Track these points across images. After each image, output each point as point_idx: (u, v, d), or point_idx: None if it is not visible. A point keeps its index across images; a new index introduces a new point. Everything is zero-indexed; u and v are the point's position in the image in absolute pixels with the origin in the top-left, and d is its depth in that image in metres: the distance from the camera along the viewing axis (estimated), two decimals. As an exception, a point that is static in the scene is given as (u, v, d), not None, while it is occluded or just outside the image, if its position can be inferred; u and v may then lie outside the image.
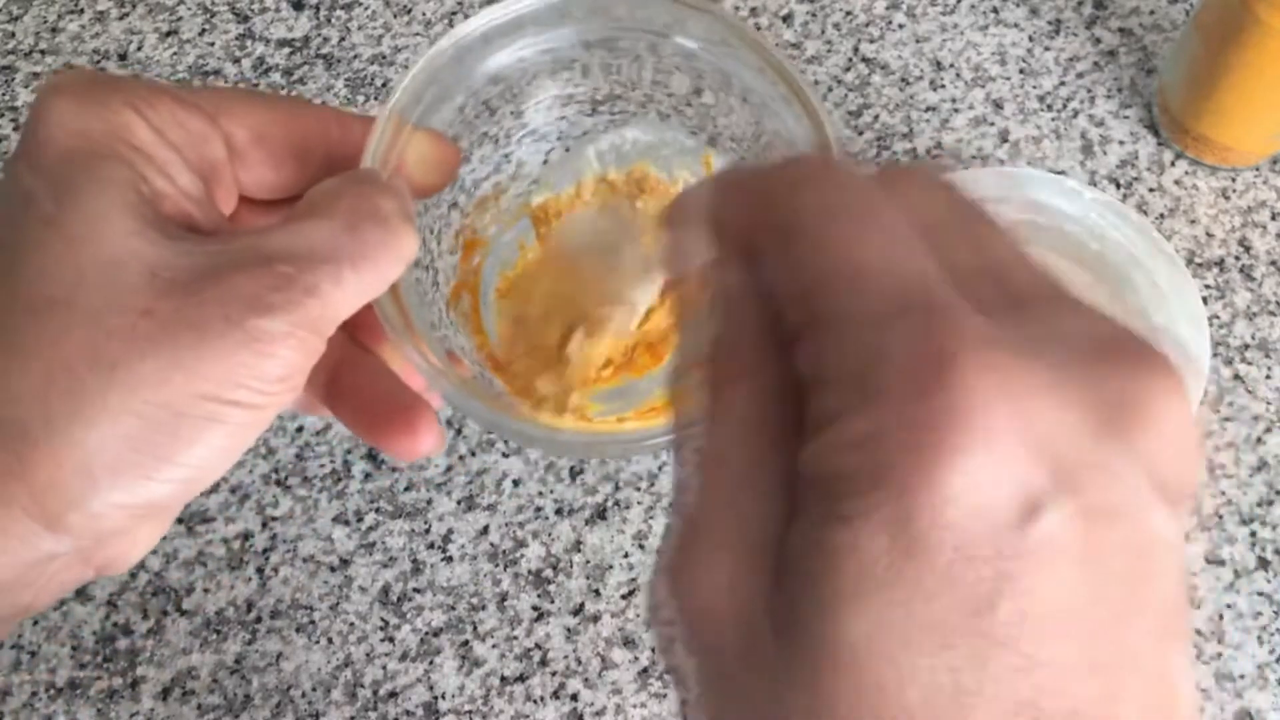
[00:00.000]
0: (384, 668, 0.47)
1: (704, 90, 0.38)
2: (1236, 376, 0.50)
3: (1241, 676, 0.45)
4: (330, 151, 0.31)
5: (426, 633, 0.47)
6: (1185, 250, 0.52)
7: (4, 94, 0.60)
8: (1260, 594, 0.46)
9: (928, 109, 0.56)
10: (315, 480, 0.50)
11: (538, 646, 0.47)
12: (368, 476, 0.50)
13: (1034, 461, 0.16)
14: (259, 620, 0.48)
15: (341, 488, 0.50)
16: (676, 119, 0.40)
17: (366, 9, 0.61)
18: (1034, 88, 0.56)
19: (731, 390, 0.19)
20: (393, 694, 0.46)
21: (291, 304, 0.25)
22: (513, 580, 0.48)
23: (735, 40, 0.35)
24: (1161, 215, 0.53)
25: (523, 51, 0.37)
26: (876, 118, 0.56)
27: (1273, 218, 0.53)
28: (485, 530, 0.49)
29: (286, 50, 0.60)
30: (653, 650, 0.46)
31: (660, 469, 0.49)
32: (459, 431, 0.51)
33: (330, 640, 0.47)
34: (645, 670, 0.46)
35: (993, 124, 0.56)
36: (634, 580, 0.48)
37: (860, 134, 0.56)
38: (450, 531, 0.49)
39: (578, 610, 0.47)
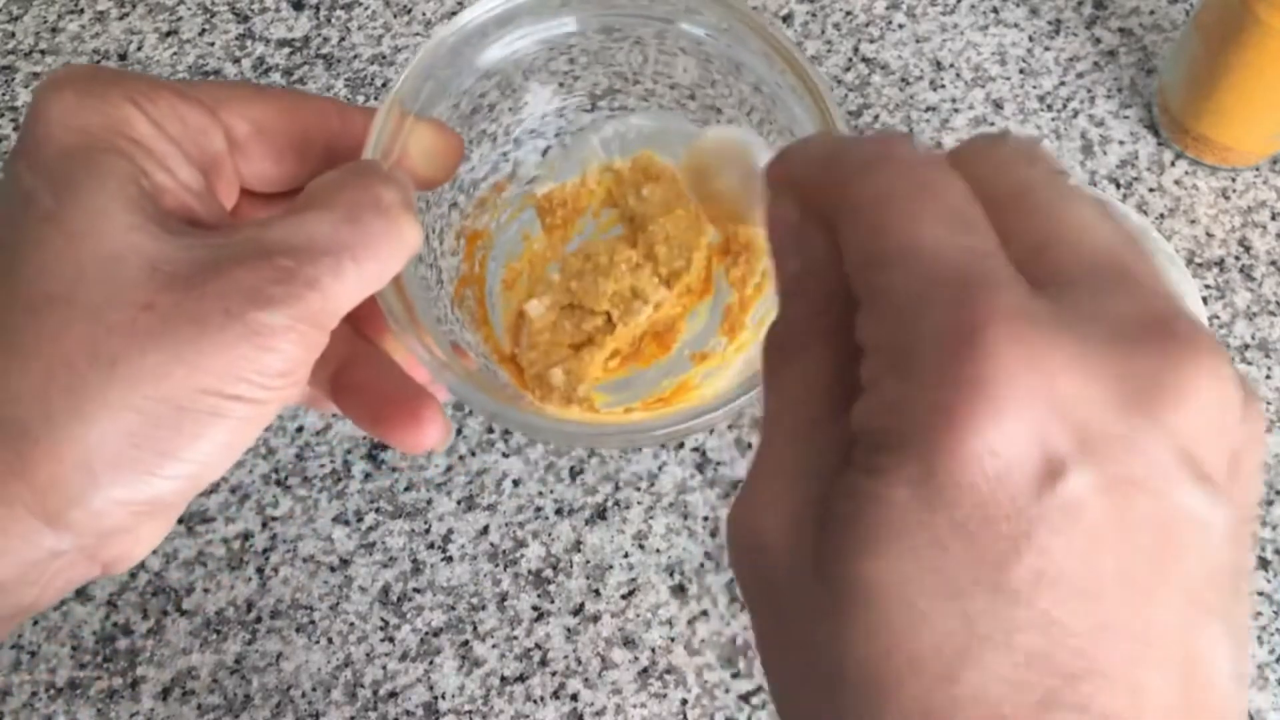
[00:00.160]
0: (384, 668, 0.47)
1: (713, 78, 0.37)
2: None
3: (1242, 676, 0.45)
4: (332, 144, 0.31)
5: (426, 633, 0.47)
6: (1185, 250, 0.52)
7: (4, 94, 0.60)
8: (1260, 594, 0.46)
9: (928, 109, 0.56)
10: (315, 480, 0.50)
11: (538, 646, 0.47)
12: (368, 476, 0.50)
13: (1056, 430, 0.17)
14: (259, 620, 0.48)
15: (341, 488, 0.50)
16: (680, 112, 0.40)
17: (366, 9, 0.61)
18: (1034, 88, 0.56)
19: (807, 351, 0.21)
20: (393, 694, 0.46)
21: (292, 297, 0.25)
22: (513, 580, 0.48)
23: (745, 28, 0.35)
24: (1161, 215, 0.53)
25: (521, 42, 0.37)
26: (876, 118, 0.56)
27: (1273, 218, 0.53)
28: (485, 530, 0.49)
29: (286, 50, 0.60)
30: (653, 650, 0.47)
31: (660, 469, 0.49)
32: (459, 431, 0.51)
33: (330, 640, 0.47)
34: (645, 670, 0.46)
35: (993, 124, 0.56)
36: (634, 580, 0.48)
37: (860, 134, 0.56)
38: (450, 531, 0.49)
39: (578, 610, 0.47)
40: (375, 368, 0.32)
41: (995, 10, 0.59)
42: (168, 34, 0.61)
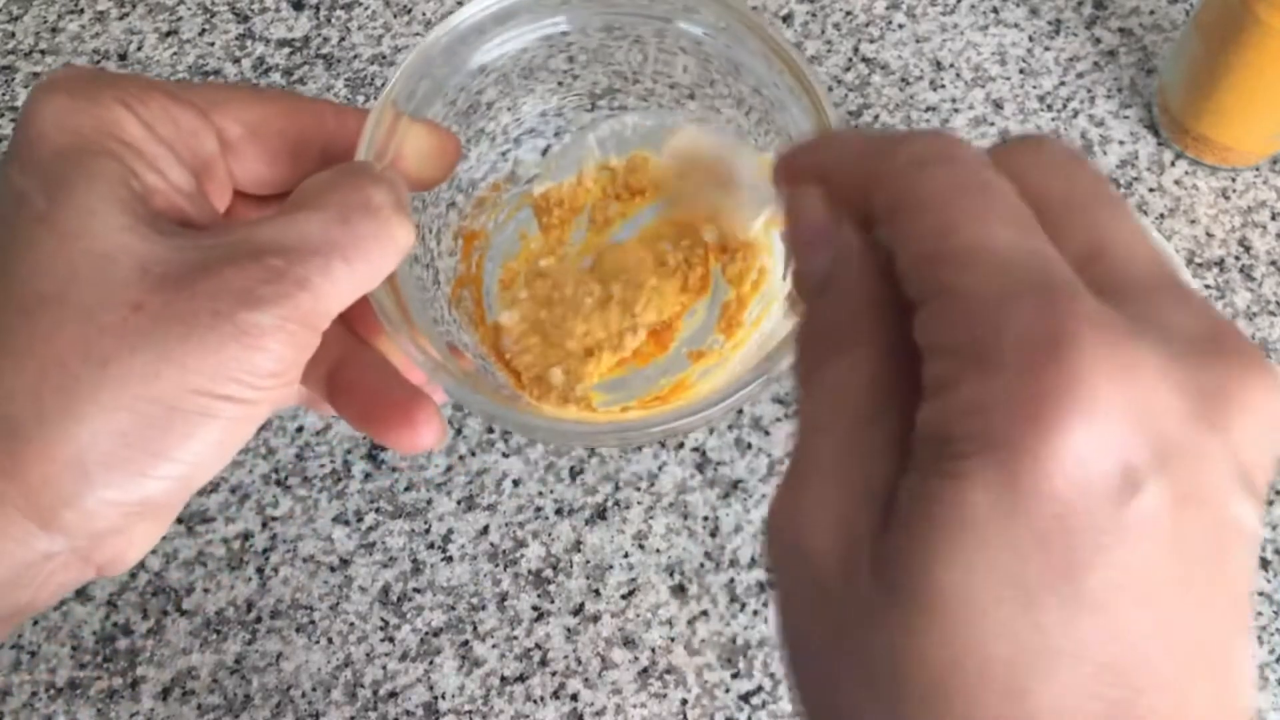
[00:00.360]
0: (384, 668, 0.47)
1: (712, 77, 0.37)
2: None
3: (1242, 676, 0.45)
4: (326, 146, 0.31)
5: (426, 633, 0.47)
6: (1185, 250, 0.52)
7: (4, 94, 0.60)
8: (1260, 594, 0.46)
9: (928, 109, 0.56)
10: (315, 480, 0.50)
11: (538, 646, 0.47)
12: (368, 476, 0.50)
13: (1137, 441, 0.17)
14: (259, 620, 0.48)
15: (341, 488, 0.50)
16: (679, 111, 0.40)
17: (366, 9, 0.61)
18: (1034, 88, 0.56)
19: (850, 348, 0.20)
20: (393, 694, 0.46)
21: (281, 297, 0.25)
22: (513, 580, 0.48)
23: (742, 28, 0.35)
24: (1161, 215, 0.53)
25: (519, 40, 0.36)
26: (876, 118, 0.56)
27: (1273, 218, 0.53)
28: (485, 530, 0.49)
29: (286, 50, 0.60)
30: (653, 650, 0.47)
31: (660, 469, 0.49)
32: (459, 431, 0.51)
33: (330, 640, 0.47)
34: (645, 670, 0.46)
35: (993, 124, 0.56)
36: (634, 580, 0.48)
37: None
38: (450, 531, 0.49)
39: (578, 610, 0.47)
40: (370, 368, 0.32)
41: (995, 10, 0.59)
42: (168, 34, 0.61)
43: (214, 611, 0.48)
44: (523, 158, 0.41)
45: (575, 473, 0.50)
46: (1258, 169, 0.54)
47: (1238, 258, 0.52)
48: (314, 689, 0.47)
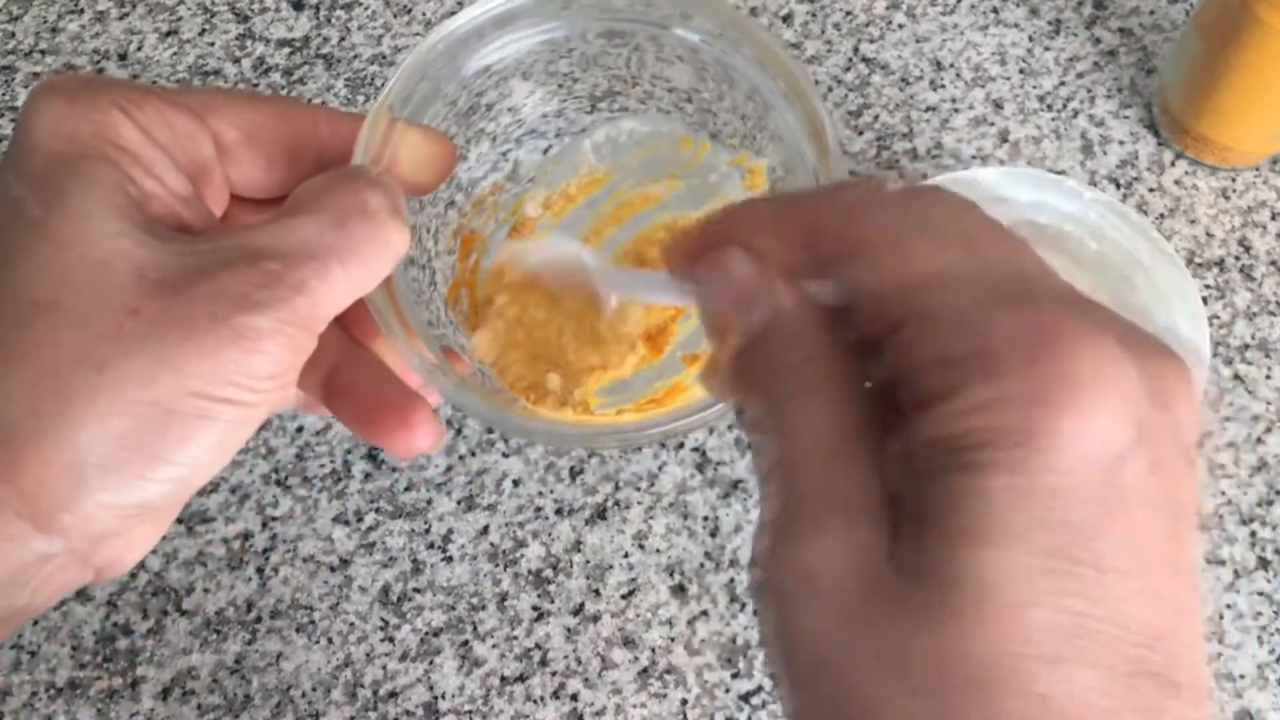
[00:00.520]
0: (384, 668, 0.47)
1: (707, 84, 0.37)
2: (1236, 376, 0.50)
3: (1241, 676, 0.45)
4: (321, 150, 0.31)
5: (426, 633, 0.47)
6: (1185, 250, 0.52)
7: (4, 94, 0.60)
8: (1260, 594, 0.46)
9: (928, 109, 0.56)
10: (315, 480, 0.50)
11: (538, 646, 0.47)
12: (368, 476, 0.50)
13: (1122, 417, 0.19)
14: (259, 620, 0.48)
15: (341, 488, 0.50)
16: (677, 115, 0.40)
17: (366, 9, 0.61)
18: (1034, 88, 0.56)
19: (812, 390, 0.22)
20: (393, 694, 0.46)
21: (278, 301, 0.25)
22: (513, 580, 0.48)
23: (737, 34, 0.35)
24: (1161, 215, 0.53)
25: (520, 43, 0.36)
26: (876, 118, 0.56)
27: (1273, 218, 0.53)
28: (485, 530, 0.49)
29: (286, 50, 0.60)
30: (653, 650, 0.47)
31: (660, 469, 0.49)
32: (459, 431, 0.51)
33: (330, 640, 0.47)
34: (645, 670, 0.46)
35: (993, 124, 0.56)
36: (634, 580, 0.48)
37: (860, 134, 0.56)
38: (450, 531, 0.49)
39: (578, 610, 0.47)
40: (366, 371, 0.32)
41: (995, 10, 0.59)
42: (168, 34, 0.61)
43: (214, 611, 0.48)
44: (523, 159, 0.41)
45: (575, 473, 0.50)
46: (1258, 169, 0.54)
47: (1238, 258, 0.52)
48: (314, 689, 0.47)
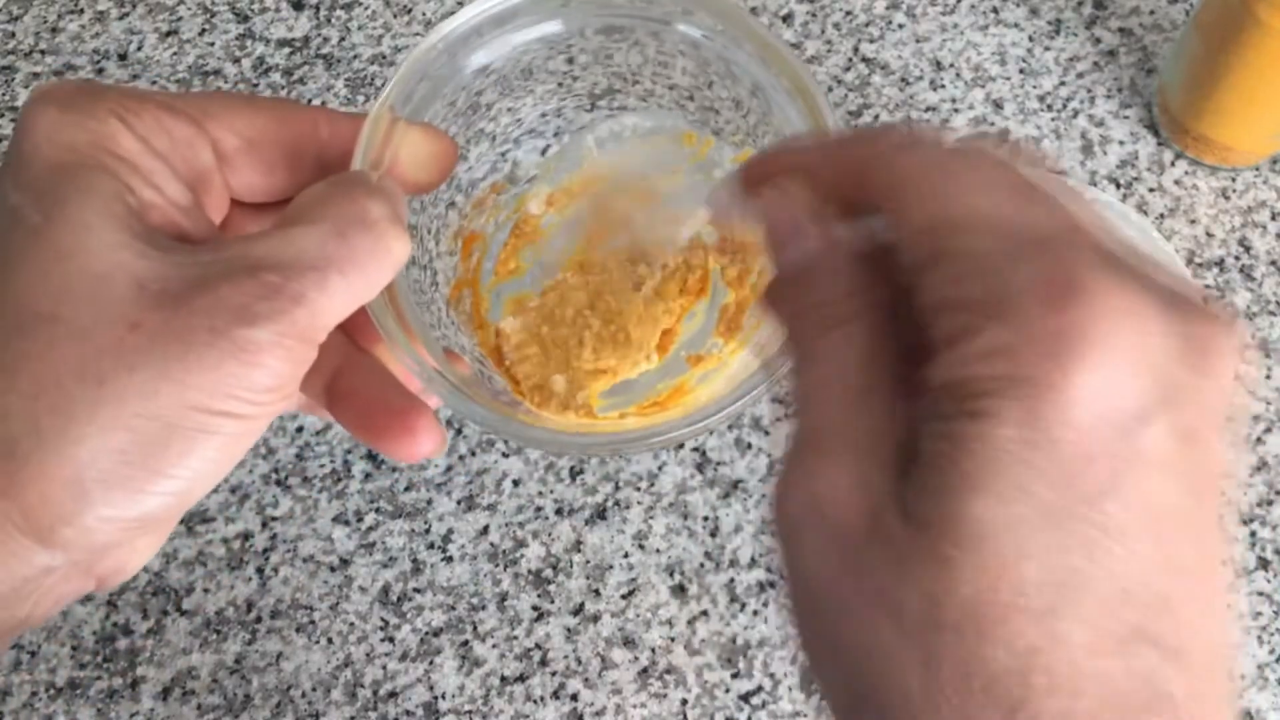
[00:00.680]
0: (384, 668, 0.47)
1: (711, 80, 0.37)
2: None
3: (1241, 676, 0.45)
4: (322, 152, 0.31)
5: (426, 633, 0.47)
6: (1185, 250, 0.52)
7: (4, 94, 0.60)
8: (1260, 594, 0.46)
9: (928, 109, 0.56)
10: (315, 480, 0.50)
11: (538, 646, 0.47)
12: (368, 476, 0.50)
13: (1145, 376, 0.19)
14: (259, 620, 0.48)
15: (341, 488, 0.50)
16: (679, 111, 0.40)
17: (366, 9, 0.61)
18: (1034, 88, 0.56)
19: (843, 323, 0.22)
20: (393, 694, 0.46)
21: (278, 313, 0.25)
22: (513, 580, 0.48)
23: (737, 31, 0.35)
24: (1161, 215, 0.53)
25: (518, 40, 0.36)
26: (876, 118, 0.56)
27: (1273, 218, 0.53)
28: (485, 530, 0.49)
29: (286, 50, 0.60)
30: (653, 650, 0.47)
31: (660, 469, 0.49)
32: (459, 431, 0.51)
33: (330, 640, 0.47)
34: (645, 670, 0.46)
35: (993, 124, 0.56)
36: (634, 580, 0.48)
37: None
38: (450, 531, 0.49)
39: (578, 610, 0.47)
40: (369, 376, 0.31)
41: (995, 10, 0.59)
42: (168, 34, 0.61)
43: (214, 611, 0.48)
44: (522, 159, 0.41)
45: (575, 473, 0.50)
46: (1258, 169, 0.54)
47: (1238, 258, 0.52)
48: (314, 689, 0.47)
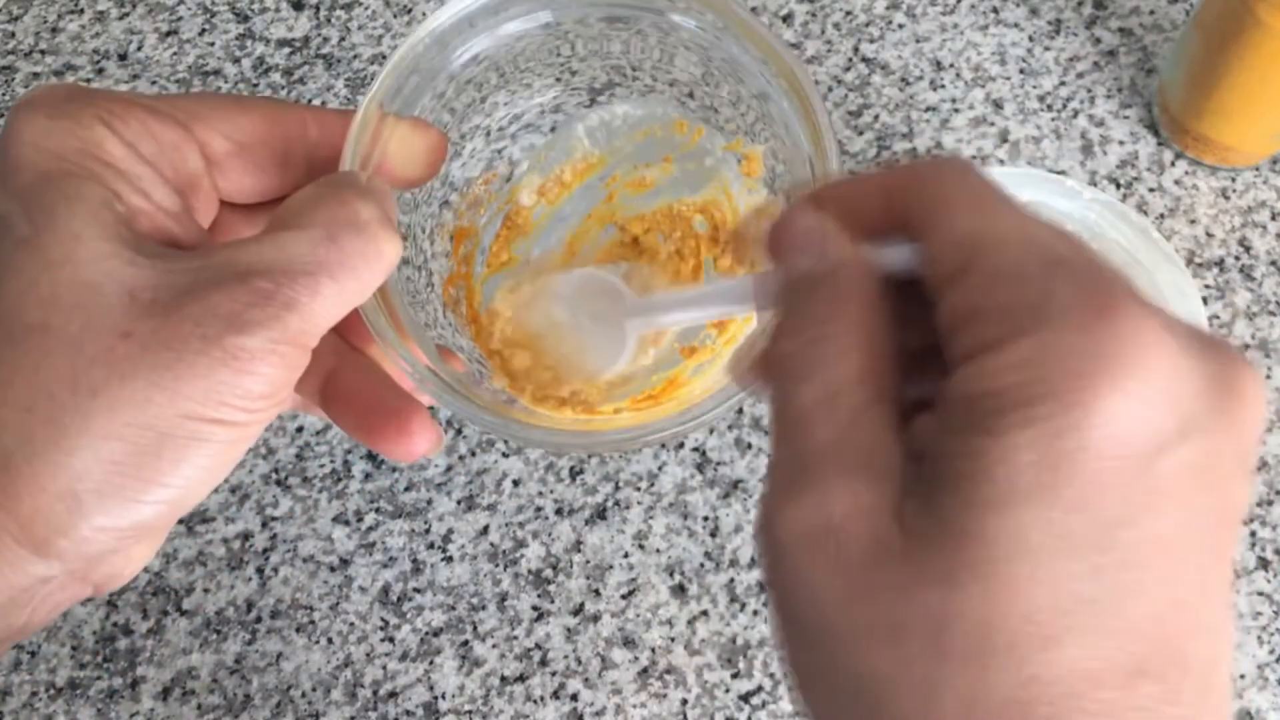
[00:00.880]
0: (384, 668, 0.47)
1: (712, 74, 0.37)
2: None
3: (1242, 676, 0.45)
4: (311, 152, 0.30)
5: (426, 633, 0.47)
6: (1185, 250, 0.52)
7: (4, 94, 0.60)
8: (1260, 594, 0.46)
9: (928, 109, 0.56)
10: (315, 480, 0.50)
11: (538, 646, 0.47)
12: (368, 476, 0.50)
13: (1171, 408, 0.18)
14: (259, 620, 0.48)
15: (341, 488, 0.50)
16: (672, 99, 0.39)
17: (366, 9, 0.61)
18: (1034, 88, 0.56)
19: (836, 339, 0.22)
20: (393, 694, 0.46)
21: (270, 320, 0.25)
22: (513, 580, 0.48)
23: (736, 29, 0.35)
24: (1161, 215, 0.53)
25: (507, 29, 0.36)
26: (876, 118, 0.56)
27: (1273, 218, 0.53)
28: (485, 530, 0.49)
29: (286, 50, 0.60)
30: (653, 650, 0.47)
31: (660, 469, 0.49)
32: (459, 432, 0.51)
33: (330, 640, 0.47)
34: (645, 670, 0.46)
35: (993, 124, 0.56)
36: (634, 580, 0.48)
37: (860, 134, 0.56)
38: (450, 531, 0.49)
39: (578, 610, 0.47)
40: (363, 376, 0.31)
41: (995, 10, 0.59)
42: (168, 34, 0.61)
43: (214, 611, 0.48)
44: (518, 155, 0.41)
45: (575, 473, 0.50)
46: (1258, 169, 0.54)
47: (1238, 258, 0.52)
48: (314, 689, 0.47)
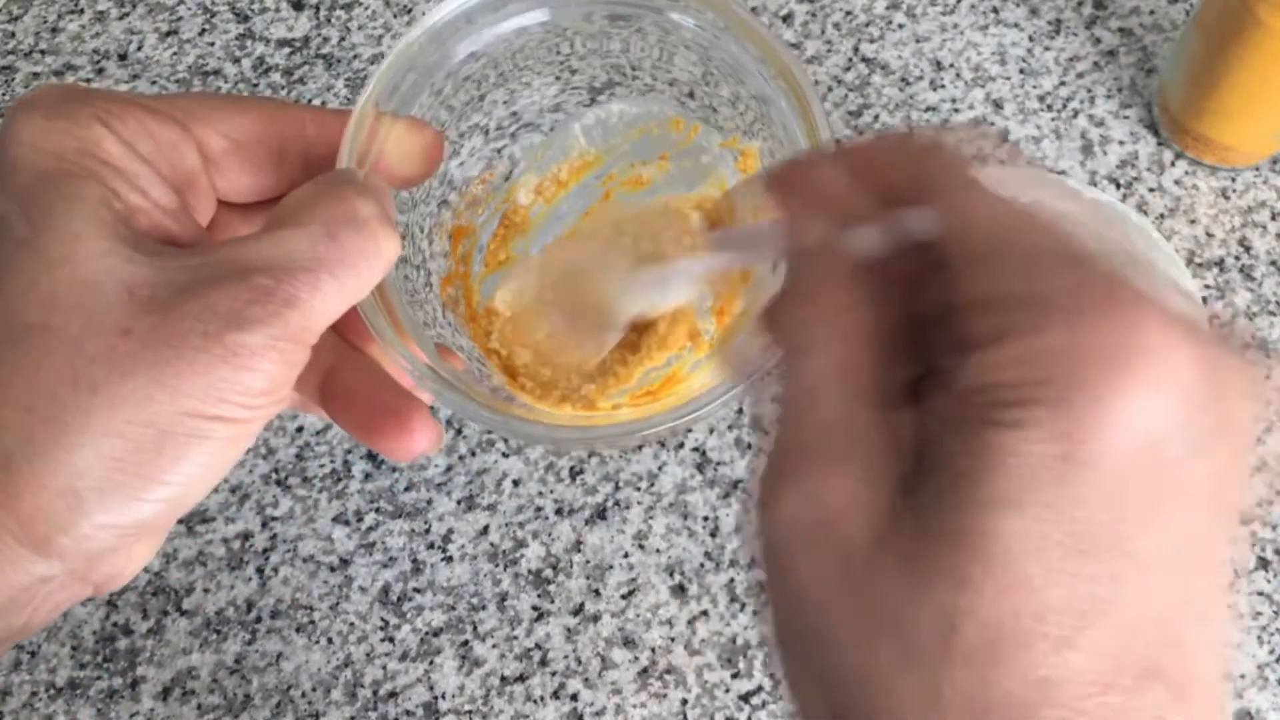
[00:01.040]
0: (384, 668, 0.47)
1: (712, 74, 0.37)
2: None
3: (1242, 676, 0.45)
4: (308, 151, 0.31)
5: (426, 633, 0.47)
6: (1185, 250, 0.52)
7: (4, 94, 0.60)
8: (1260, 594, 0.46)
9: (928, 109, 0.56)
10: (315, 480, 0.50)
11: (538, 646, 0.47)
12: (368, 476, 0.50)
13: (1173, 396, 0.18)
14: (259, 620, 0.48)
15: (341, 488, 0.50)
16: (670, 97, 0.39)
17: (366, 9, 0.61)
18: (1034, 88, 0.56)
19: (842, 313, 0.21)
20: (393, 694, 0.46)
21: (270, 316, 0.25)
22: (513, 580, 0.48)
23: (736, 30, 0.35)
24: (1161, 215, 0.53)
25: (505, 26, 0.36)
26: (876, 118, 0.56)
27: (1273, 218, 0.53)
28: (485, 530, 0.49)
29: (286, 50, 0.60)
30: (653, 650, 0.47)
31: (660, 469, 0.49)
32: (459, 432, 0.51)
33: (330, 640, 0.47)
34: (645, 670, 0.46)
35: (993, 124, 0.56)
36: (634, 580, 0.48)
37: (860, 134, 0.56)
38: (450, 531, 0.49)
39: (578, 610, 0.47)
40: (362, 374, 0.31)
41: (995, 10, 0.59)
42: (168, 34, 0.61)
43: (214, 611, 0.48)
44: (518, 154, 0.41)
45: (575, 473, 0.50)
46: (1258, 169, 0.54)
47: (1238, 258, 0.52)
48: (314, 689, 0.47)
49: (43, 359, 0.24)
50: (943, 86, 0.57)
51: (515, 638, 0.47)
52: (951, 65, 0.57)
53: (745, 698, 0.46)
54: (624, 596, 0.47)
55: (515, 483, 0.50)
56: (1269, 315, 0.51)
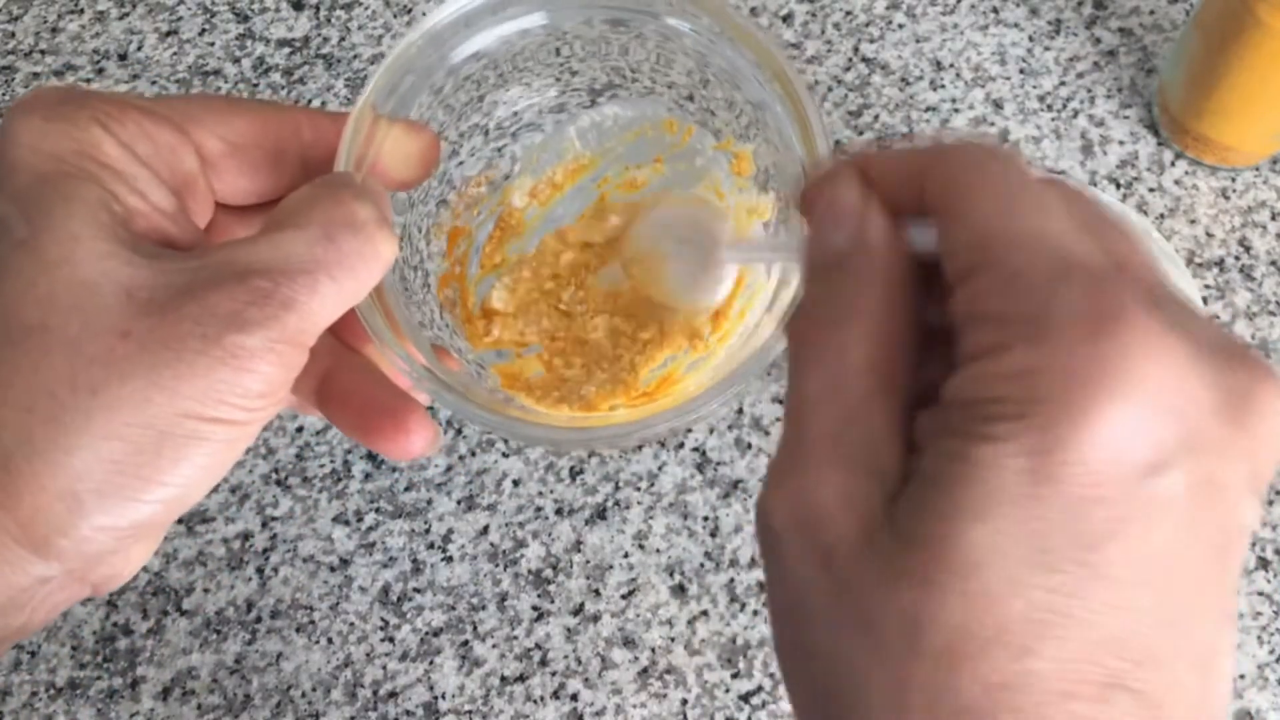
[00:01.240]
0: (384, 668, 0.47)
1: (708, 79, 0.37)
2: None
3: (1242, 676, 0.45)
4: (305, 153, 0.31)
5: (426, 633, 0.47)
6: (1185, 250, 0.52)
7: (4, 94, 0.60)
8: (1260, 594, 0.46)
9: (928, 109, 0.56)
10: (315, 480, 0.50)
11: (538, 646, 0.47)
12: (368, 476, 0.50)
13: (1171, 423, 0.18)
14: (259, 620, 0.48)
15: (341, 488, 0.50)
16: (666, 98, 0.39)
17: (366, 9, 0.61)
18: (1034, 88, 0.56)
19: (848, 323, 0.21)
20: (393, 694, 0.46)
21: (269, 319, 0.25)
22: (513, 580, 0.48)
23: (731, 35, 0.35)
24: (1161, 215, 0.53)
25: (505, 29, 0.36)
26: (876, 118, 0.56)
27: (1273, 218, 0.53)
28: (485, 530, 0.49)
29: (286, 50, 0.60)
30: (653, 650, 0.47)
31: (660, 469, 0.49)
32: (459, 432, 0.51)
33: (330, 640, 0.47)
34: (645, 670, 0.46)
35: (993, 124, 0.56)
36: (634, 580, 0.48)
37: (860, 134, 0.56)
38: (450, 531, 0.49)
39: (578, 610, 0.47)
40: (359, 375, 0.31)
41: (995, 10, 0.59)
42: (168, 34, 0.61)
43: (214, 611, 0.48)
44: (518, 154, 0.41)
45: (575, 473, 0.50)
46: (1258, 169, 0.54)
47: (1238, 258, 0.52)
48: (314, 689, 0.47)
49: (42, 359, 0.24)
50: (943, 86, 0.57)
51: (515, 638, 0.47)
52: (951, 65, 0.57)
53: (745, 698, 0.46)
54: (624, 596, 0.47)
55: (515, 483, 0.50)
56: (1269, 315, 0.51)
